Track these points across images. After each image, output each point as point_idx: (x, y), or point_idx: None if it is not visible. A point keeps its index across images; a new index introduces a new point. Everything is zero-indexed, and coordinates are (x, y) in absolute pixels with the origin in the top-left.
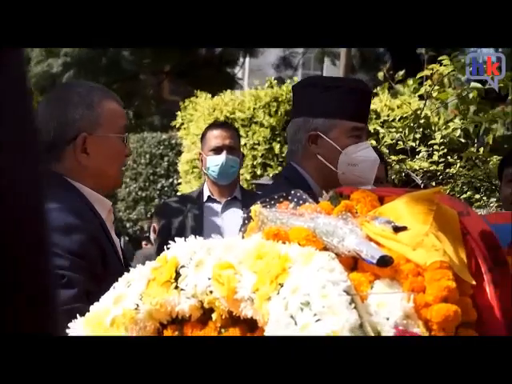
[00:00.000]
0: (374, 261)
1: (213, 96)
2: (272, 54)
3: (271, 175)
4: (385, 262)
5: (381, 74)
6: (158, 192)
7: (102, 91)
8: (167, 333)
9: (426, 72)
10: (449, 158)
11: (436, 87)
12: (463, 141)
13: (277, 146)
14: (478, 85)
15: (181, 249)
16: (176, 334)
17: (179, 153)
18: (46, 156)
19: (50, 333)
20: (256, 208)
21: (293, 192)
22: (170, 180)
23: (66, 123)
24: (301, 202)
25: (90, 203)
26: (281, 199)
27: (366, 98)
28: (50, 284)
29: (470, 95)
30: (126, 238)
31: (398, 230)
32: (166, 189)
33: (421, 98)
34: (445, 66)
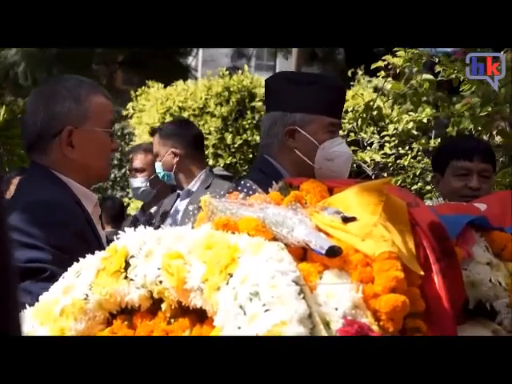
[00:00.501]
0: (323, 251)
1: (165, 86)
2: None
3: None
4: (334, 252)
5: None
6: (110, 183)
7: (90, 85)
8: (116, 323)
9: (380, 63)
10: (400, 149)
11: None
12: (415, 133)
13: (228, 136)
14: (431, 76)
15: (131, 239)
16: (125, 323)
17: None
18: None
19: (11, 329)
20: (206, 198)
21: (242, 182)
22: (123, 170)
23: (53, 116)
24: (250, 192)
25: (76, 197)
26: (230, 189)
27: (342, 95)
28: (10, 281)
29: (423, 87)
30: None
31: (347, 220)
32: (118, 179)
33: (374, 89)
34: (398, 57)
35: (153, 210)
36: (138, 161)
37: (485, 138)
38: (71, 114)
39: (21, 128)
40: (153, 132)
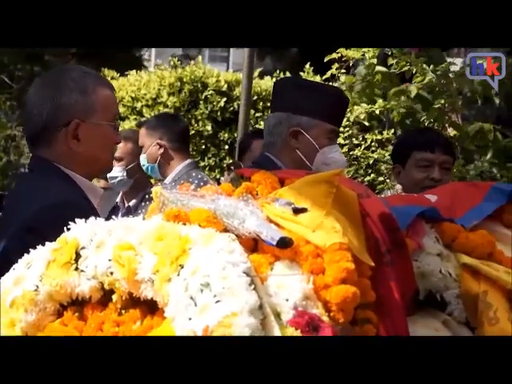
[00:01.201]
0: (274, 242)
1: (121, 75)
2: None
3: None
4: (284, 243)
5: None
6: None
7: (96, 77)
8: (67, 314)
9: (334, 55)
10: (354, 140)
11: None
12: (367, 124)
13: None
14: (383, 69)
15: (81, 230)
16: (76, 315)
17: None
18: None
19: None
20: (157, 189)
21: (194, 173)
22: None
23: (59, 108)
24: (202, 183)
25: (83, 192)
26: (182, 181)
27: (344, 105)
28: None
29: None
30: None
31: (297, 211)
32: None
33: (326, 81)
34: (352, 50)
35: (132, 203)
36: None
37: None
38: (78, 106)
39: (24, 119)
40: (140, 124)
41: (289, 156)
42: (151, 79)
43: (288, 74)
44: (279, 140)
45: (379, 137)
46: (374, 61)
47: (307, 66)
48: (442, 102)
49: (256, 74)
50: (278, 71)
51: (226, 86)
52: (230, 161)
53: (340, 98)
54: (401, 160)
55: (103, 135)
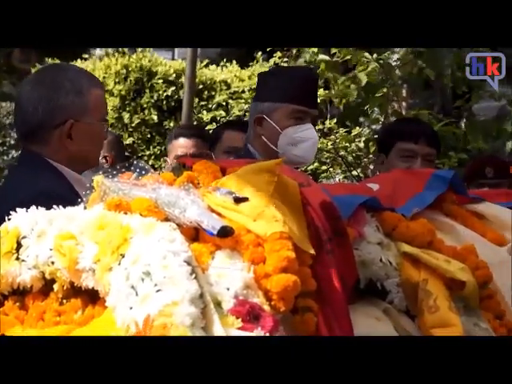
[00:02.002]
0: (215, 231)
1: None
2: None
3: None
4: (225, 232)
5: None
6: (8, 163)
7: (90, 77)
8: (8, 304)
9: None
10: None
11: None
12: None
13: (126, 116)
14: (326, 57)
15: (22, 219)
16: (17, 304)
17: None
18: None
19: None
20: (98, 178)
21: (135, 162)
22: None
23: (56, 108)
24: (143, 172)
25: (70, 184)
26: (123, 170)
27: (309, 84)
28: None
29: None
30: None
31: (238, 201)
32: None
33: None
34: None
35: None
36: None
37: (380, 118)
38: (74, 106)
39: (16, 115)
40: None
41: (258, 143)
42: (96, 67)
43: (234, 63)
44: (251, 129)
45: (321, 126)
46: (316, 49)
47: (258, 54)
48: (385, 90)
49: (204, 63)
50: (224, 60)
51: (174, 74)
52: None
53: (303, 77)
54: (384, 149)
55: (94, 134)
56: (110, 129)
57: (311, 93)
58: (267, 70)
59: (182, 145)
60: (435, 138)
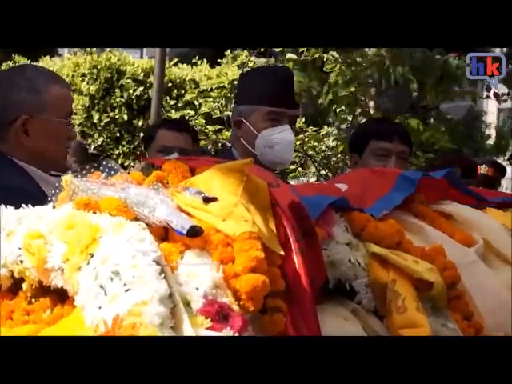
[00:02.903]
0: (184, 231)
1: (32, 60)
2: None
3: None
4: (195, 232)
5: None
6: None
7: (49, 75)
8: None
9: None
10: None
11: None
12: None
13: (96, 115)
14: (294, 56)
15: None
16: None
17: None
18: None
19: None
20: (67, 178)
21: (104, 162)
22: None
23: (9, 105)
24: (112, 172)
25: (36, 183)
26: (92, 169)
27: (284, 84)
28: None
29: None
30: None
31: (208, 200)
32: None
33: (239, 67)
34: None
35: None
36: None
37: (348, 118)
38: (26, 103)
39: None
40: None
41: (239, 146)
42: (65, 65)
43: (205, 61)
44: (232, 132)
45: (297, 123)
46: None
47: (227, 52)
48: (352, 90)
49: (173, 62)
50: (197, 57)
51: (142, 74)
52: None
53: (278, 77)
54: (358, 149)
55: (53, 131)
56: (79, 128)
57: (287, 93)
58: (247, 70)
59: (169, 137)
60: (408, 136)
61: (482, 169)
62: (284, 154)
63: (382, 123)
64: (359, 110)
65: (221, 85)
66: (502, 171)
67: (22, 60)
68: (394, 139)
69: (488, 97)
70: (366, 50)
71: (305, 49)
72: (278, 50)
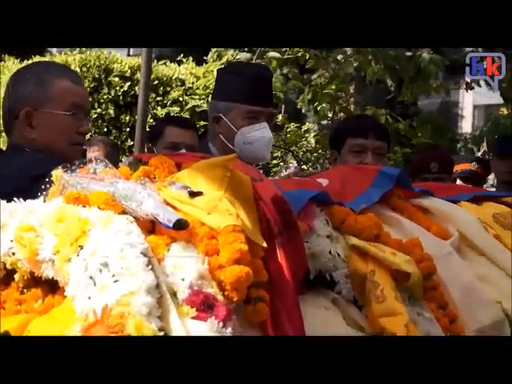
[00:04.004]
0: (171, 224)
1: (21, 61)
2: None
3: None
4: (181, 225)
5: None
6: None
7: (57, 69)
8: None
9: None
10: None
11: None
12: None
13: None
14: (277, 54)
15: None
16: None
17: None
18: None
19: None
20: (57, 173)
21: (94, 158)
22: None
23: (16, 99)
24: (101, 167)
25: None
26: (81, 165)
27: (263, 83)
28: None
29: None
30: None
31: (193, 194)
32: None
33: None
34: None
35: None
36: (97, 152)
37: (329, 114)
38: (31, 96)
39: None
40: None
41: (217, 141)
42: None
43: (191, 59)
44: (210, 127)
45: (279, 119)
46: None
47: (212, 50)
48: (333, 87)
49: (161, 63)
50: (182, 55)
51: (129, 71)
52: (132, 143)
53: (257, 76)
54: (337, 146)
55: (57, 123)
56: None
57: (265, 92)
58: (224, 66)
59: (177, 134)
60: (384, 132)
61: (472, 166)
62: (262, 151)
63: (358, 120)
64: (338, 107)
65: (207, 84)
66: (488, 168)
67: (11, 59)
68: (369, 136)
69: (460, 87)
70: (347, 48)
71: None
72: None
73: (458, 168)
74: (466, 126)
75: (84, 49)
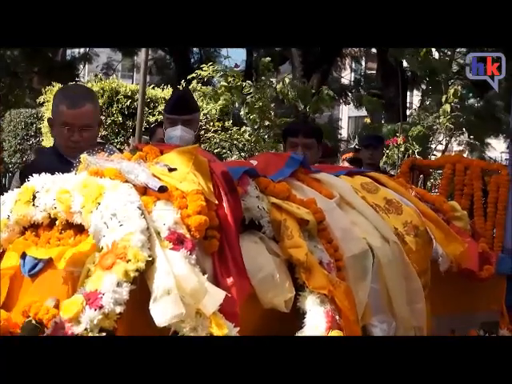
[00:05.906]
0: (156, 189)
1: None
2: None
3: None
4: (163, 189)
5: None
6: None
7: (63, 96)
8: (27, 233)
9: (193, 75)
10: (208, 126)
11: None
12: (217, 116)
13: (103, 118)
14: (225, 83)
15: (36, 180)
16: (33, 234)
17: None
18: None
19: None
20: (83, 156)
21: (107, 146)
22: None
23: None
24: (112, 152)
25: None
26: (99, 150)
27: (178, 100)
28: None
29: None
30: None
31: (171, 170)
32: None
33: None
34: (205, 71)
35: None
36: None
37: (258, 121)
38: (52, 114)
39: None
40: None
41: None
42: None
43: (169, 86)
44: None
45: (226, 124)
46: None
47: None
48: (261, 104)
49: (151, 87)
50: (163, 84)
51: (130, 92)
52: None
53: (175, 96)
54: (284, 144)
55: (57, 134)
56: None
57: (181, 105)
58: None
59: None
60: (312, 132)
61: (353, 154)
62: (179, 142)
63: (293, 124)
64: (264, 117)
65: None
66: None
67: (57, 85)
68: (299, 135)
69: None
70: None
71: (232, 77)
72: (215, 78)
73: (345, 156)
74: (344, 132)
75: (102, 78)
